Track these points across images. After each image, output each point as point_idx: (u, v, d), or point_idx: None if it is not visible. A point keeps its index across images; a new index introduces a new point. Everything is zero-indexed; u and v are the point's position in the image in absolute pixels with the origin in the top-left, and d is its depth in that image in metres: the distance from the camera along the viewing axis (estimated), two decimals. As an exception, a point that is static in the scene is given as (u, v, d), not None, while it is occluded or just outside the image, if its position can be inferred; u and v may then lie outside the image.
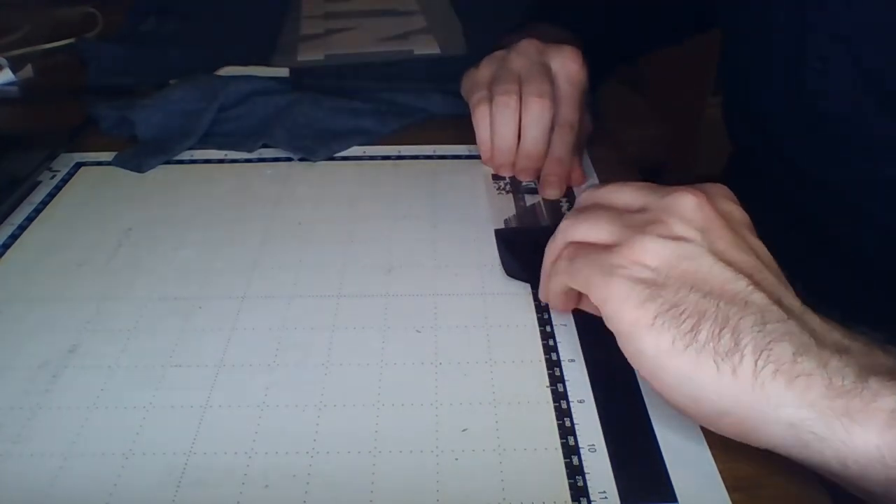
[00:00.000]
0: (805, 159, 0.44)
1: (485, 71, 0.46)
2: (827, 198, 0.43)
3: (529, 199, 0.44)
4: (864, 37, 0.37)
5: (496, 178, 0.46)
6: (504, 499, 0.27)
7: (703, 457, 0.28)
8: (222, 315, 0.36)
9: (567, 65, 0.44)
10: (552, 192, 0.44)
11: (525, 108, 0.43)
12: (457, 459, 0.28)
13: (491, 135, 0.44)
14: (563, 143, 0.44)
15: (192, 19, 0.74)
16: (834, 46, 0.39)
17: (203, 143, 0.50)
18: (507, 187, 0.46)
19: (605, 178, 0.47)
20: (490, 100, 0.44)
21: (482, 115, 0.44)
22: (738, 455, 0.28)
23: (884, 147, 0.38)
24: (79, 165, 0.49)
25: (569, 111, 0.44)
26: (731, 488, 0.27)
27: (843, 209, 0.42)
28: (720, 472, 0.27)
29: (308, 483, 0.27)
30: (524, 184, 0.46)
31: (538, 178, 0.45)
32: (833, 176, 0.42)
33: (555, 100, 0.43)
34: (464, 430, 0.29)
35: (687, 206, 0.28)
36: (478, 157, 0.47)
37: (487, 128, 0.44)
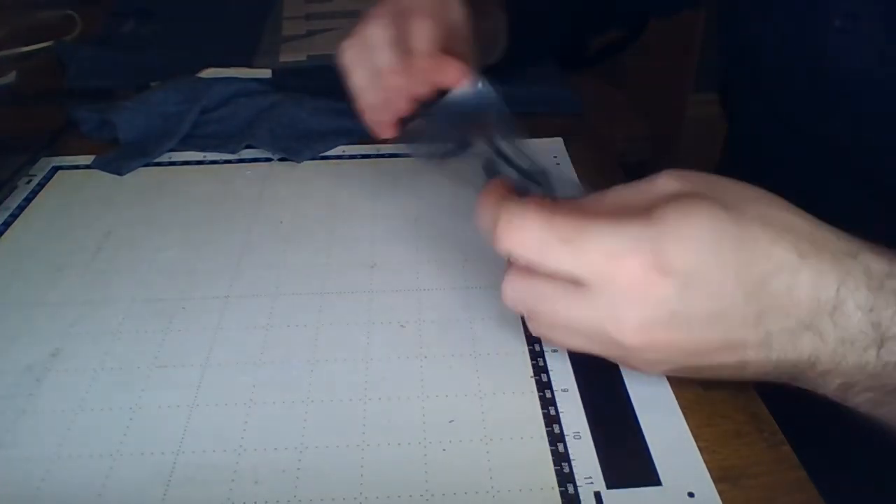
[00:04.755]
0: (816, 123, 0.41)
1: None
2: (838, 166, 0.40)
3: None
4: None
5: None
6: (492, 486, 0.27)
7: (686, 440, 0.29)
8: (206, 315, 0.36)
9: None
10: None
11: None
12: (444, 450, 0.28)
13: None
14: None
15: (172, 21, 0.74)
16: (865, 5, 0.36)
17: (186, 145, 0.50)
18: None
19: (588, 179, 0.46)
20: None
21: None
22: (724, 447, 0.28)
23: None
24: (55, 169, 0.48)
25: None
26: (717, 479, 0.27)
27: (854, 177, 0.39)
28: (706, 464, 0.28)
29: (298, 478, 0.28)
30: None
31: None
32: (847, 142, 0.39)
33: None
34: (450, 422, 0.30)
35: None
36: None
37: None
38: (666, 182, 0.27)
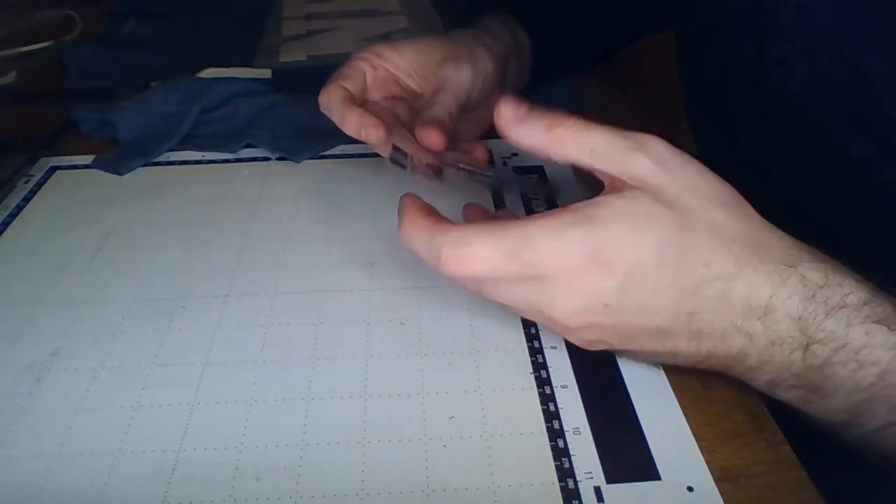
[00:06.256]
0: (768, 163, 0.42)
1: None
2: (791, 207, 0.40)
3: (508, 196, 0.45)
4: (823, 46, 0.36)
5: None
6: (493, 482, 0.27)
7: (684, 435, 0.29)
8: (206, 314, 0.36)
9: None
10: None
11: None
12: (445, 446, 0.28)
13: None
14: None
15: (172, 21, 0.74)
16: (793, 53, 0.37)
17: (186, 145, 0.50)
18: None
19: (588, 179, 0.46)
20: None
21: None
22: (724, 447, 0.28)
23: (848, 158, 0.36)
24: (53, 169, 0.49)
25: None
26: (717, 479, 0.27)
27: (806, 219, 0.38)
28: (707, 464, 0.28)
29: (299, 475, 0.28)
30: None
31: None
32: (797, 184, 0.40)
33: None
34: (451, 418, 0.30)
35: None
36: None
37: None
38: (644, 160, 0.28)
